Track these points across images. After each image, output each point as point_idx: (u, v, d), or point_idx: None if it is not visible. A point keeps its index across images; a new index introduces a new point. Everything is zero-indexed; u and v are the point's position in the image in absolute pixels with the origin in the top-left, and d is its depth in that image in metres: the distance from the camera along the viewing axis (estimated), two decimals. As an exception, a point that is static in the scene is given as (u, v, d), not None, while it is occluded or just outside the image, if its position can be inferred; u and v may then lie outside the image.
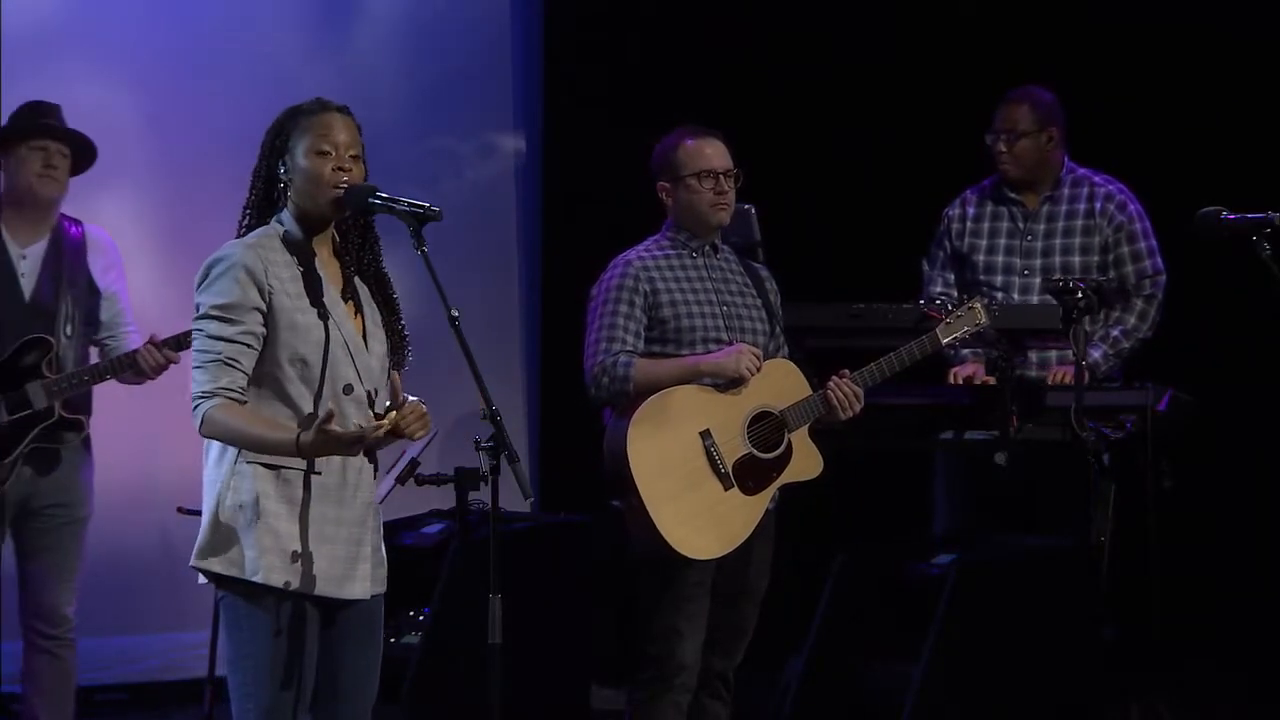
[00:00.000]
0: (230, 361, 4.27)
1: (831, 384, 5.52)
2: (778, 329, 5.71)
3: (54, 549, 6.04)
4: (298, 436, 4.19)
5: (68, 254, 6.07)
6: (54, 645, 6.06)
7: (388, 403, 4.36)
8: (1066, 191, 6.70)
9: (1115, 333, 6.59)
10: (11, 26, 7.01)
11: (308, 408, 4.31)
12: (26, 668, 6.09)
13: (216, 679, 6.19)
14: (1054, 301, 6.13)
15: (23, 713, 6.14)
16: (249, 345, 4.28)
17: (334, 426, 4.15)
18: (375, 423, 4.23)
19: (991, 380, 6.30)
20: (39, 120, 6.07)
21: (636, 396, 5.45)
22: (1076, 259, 6.62)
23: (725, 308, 5.62)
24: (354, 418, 4.34)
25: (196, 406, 4.28)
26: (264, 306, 4.29)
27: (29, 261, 6.02)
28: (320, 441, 4.17)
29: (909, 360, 5.63)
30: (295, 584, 4.29)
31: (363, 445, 4.23)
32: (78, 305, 6.05)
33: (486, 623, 4.33)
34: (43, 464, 6.00)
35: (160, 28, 7.68)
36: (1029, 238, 6.69)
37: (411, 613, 6.29)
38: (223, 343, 4.27)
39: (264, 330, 4.29)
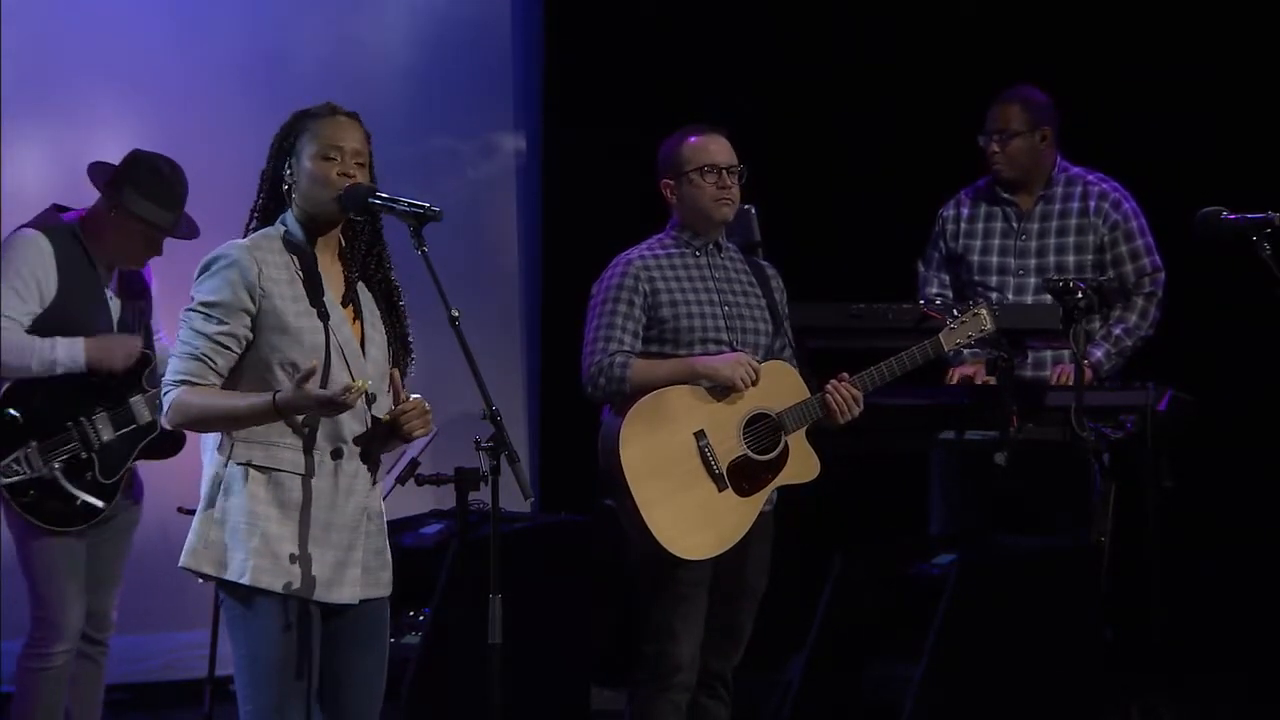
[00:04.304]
0: (204, 357, 4.27)
1: (830, 387, 5.50)
2: (783, 328, 5.70)
3: (118, 555, 5.96)
4: (274, 394, 4.19)
5: (136, 272, 5.97)
6: (97, 652, 5.96)
7: (391, 406, 4.36)
8: (1060, 191, 6.69)
9: (1117, 331, 6.59)
10: (14, 31, 7.00)
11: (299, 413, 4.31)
12: None
13: (217, 679, 6.19)
14: (1054, 301, 6.13)
15: None
16: (227, 346, 4.28)
17: (311, 386, 4.15)
18: (354, 388, 4.17)
19: (991, 380, 6.29)
20: (170, 215, 5.80)
21: (632, 396, 5.45)
22: (1070, 258, 6.62)
23: (726, 308, 5.61)
24: (349, 423, 4.33)
25: (165, 394, 4.29)
26: (253, 310, 4.29)
27: (114, 284, 5.89)
28: (299, 398, 4.17)
29: (910, 365, 5.59)
30: (283, 587, 4.27)
31: (335, 408, 4.19)
32: (145, 316, 5.97)
33: (486, 623, 4.33)
34: (132, 476, 5.93)
35: (160, 29, 7.67)
36: (1023, 237, 6.69)
37: (411, 613, 6.29)
38: (203, 339, 4.28)
39: (249, 334, 4.29)
